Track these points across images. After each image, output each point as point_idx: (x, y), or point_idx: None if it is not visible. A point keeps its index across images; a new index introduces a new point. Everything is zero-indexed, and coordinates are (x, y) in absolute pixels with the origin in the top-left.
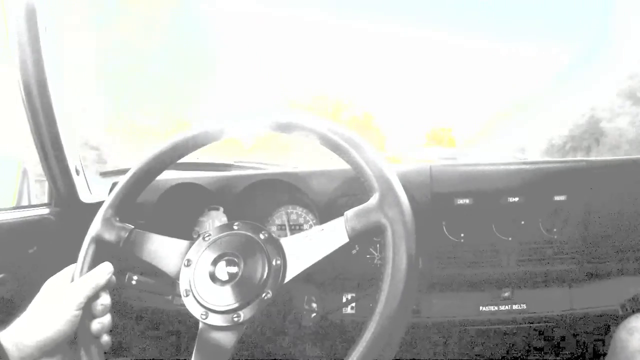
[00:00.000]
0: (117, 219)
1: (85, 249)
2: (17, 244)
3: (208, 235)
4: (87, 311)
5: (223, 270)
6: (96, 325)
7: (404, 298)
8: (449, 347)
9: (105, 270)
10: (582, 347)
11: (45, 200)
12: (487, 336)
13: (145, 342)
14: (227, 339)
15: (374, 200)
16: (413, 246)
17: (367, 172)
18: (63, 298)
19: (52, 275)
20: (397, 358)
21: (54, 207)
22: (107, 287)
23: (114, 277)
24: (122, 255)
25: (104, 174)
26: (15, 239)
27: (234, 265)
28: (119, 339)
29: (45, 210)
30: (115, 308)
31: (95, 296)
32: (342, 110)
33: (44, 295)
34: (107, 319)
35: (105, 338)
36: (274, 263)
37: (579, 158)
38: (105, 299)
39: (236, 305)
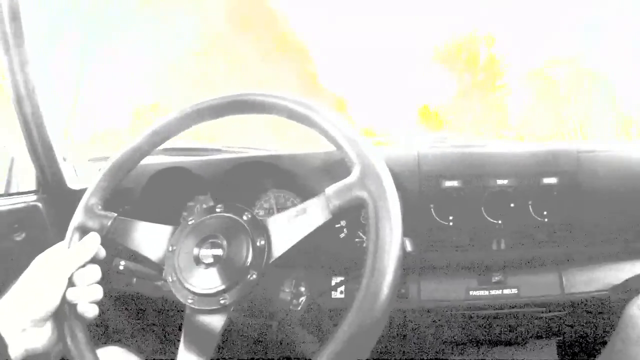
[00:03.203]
0: (100, 207)
1: (69, 239)
2: (5, 231)
3: (191, 219)
4: (76, 281)
5: (207, 253)
6: (85, 296)
7: (390, 272)
8: (438, 332)
9: (93, 240)
10: (574, 332)
11: (33, 188)
12: (477, 321)
13: (134, 328)
14: (214, 322)
15: (354, 175)
16: (397, 219)
17: (346, 148)
18: (53, 270)
19: None
20: (385, 342)
21: (42, 194)
22: (96, 258)
23: (102, 247)
24: (107, 244)
25: (93, 160)
26: (2, 226)
27: (218, 248)
28: (108, 325)
29: (32, 197)
30: (104, 295)
31: (84, 267)
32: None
33: (34, 268)
34: (97, 290)
35: (93, 308)
36: (257, 244)
37: (569, 141)
38: (94, 270)
39: (222, 287)
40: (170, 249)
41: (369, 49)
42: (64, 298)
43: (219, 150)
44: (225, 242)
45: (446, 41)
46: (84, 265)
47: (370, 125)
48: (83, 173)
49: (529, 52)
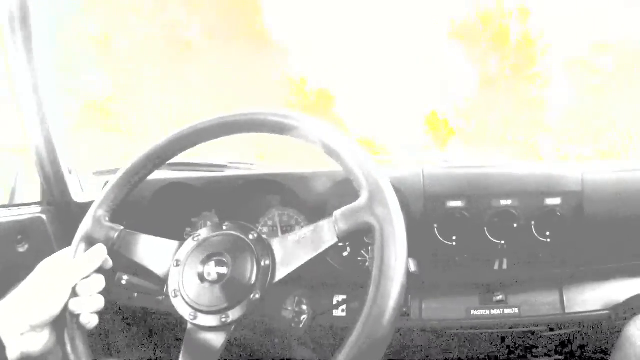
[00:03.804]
0: (107, 218)
1: (75, 249)
2: (8, 242)
3: (197, 236)
4: (80, 291)
5: (212, 271)
6: (87, 306)
7: (393, 299)
8: (439, 351)
9: (100, 252)
10: (574, 351)
11: (38, 199)
12: (478, 340)
13: (135, 343)
14: (215, 339)
15: (362, 199)
16: (403, 246)
17: (356, 172)
18: (58, 277)
19: None
20: None
21: (46, 206)
22: (102, 268)
23: (109, 258)
24: (112, 255)
25: (98, 173)
26: (6, 238)
27: (223, 266)
28: (109, 339)
29: (37, 209)
30: (106, 308)
31: (88, 277)
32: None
33: (38, 275)
34: (99, 300)
35: (94, 318)
36: (262, 263)
37: (573, 162)
38: (99, 280)
39: (224, 305)
40: (175, 264)
41: (364, 31)
42: (65, 306)
43: (224, 167)
44: (230, 261)
45: (467, 12)
46: (88, 276)
47: (366, 135)
48: (87, 186)
49: (571, 33)
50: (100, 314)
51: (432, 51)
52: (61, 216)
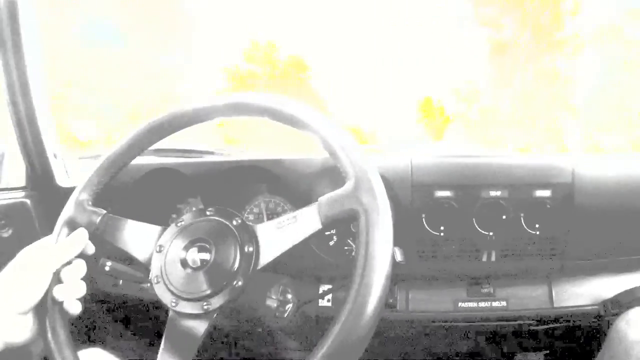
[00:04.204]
0: (90, 202)
1: (57, 233)
2: None
3: (180, 221)
4: (62, 277)
5: (194, 257)
6: (70, 292)
7: (377, 289)
8: (425, 343)
9: (81, 236)
10: (562, 346)
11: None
12: (466, 333)
13: (120, 331)
14: (197, 327)
15: (348, 186)
16: (388, 234)
17: (343, 158)
18: (39, 263)
19: None
20: (372, 353)
21: (31, 190)
22: (84, 253)
23: (91, 243)
24: (95, 241)
25: (84, 158)
26: None
27: (206, 252)
28: (92, 326)
29: (21, 194)
30: (91, 295)
31: (70, 263)
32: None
33: (19, 260)
34: (81, 286)
35: (77, 305)
36: (246, 250)
37: (564, 153)
38: (80, 266)
39: (207, 292)
40: (157, 249)
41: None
42: (47, 292)
43: (212, 153)
44: (213, 247)
45: None
46: (70, 262)
47: (355, 124)
48: (74, 171)
49: None
50: (86, 301)
51: (430, 16)
52: (46, 201)
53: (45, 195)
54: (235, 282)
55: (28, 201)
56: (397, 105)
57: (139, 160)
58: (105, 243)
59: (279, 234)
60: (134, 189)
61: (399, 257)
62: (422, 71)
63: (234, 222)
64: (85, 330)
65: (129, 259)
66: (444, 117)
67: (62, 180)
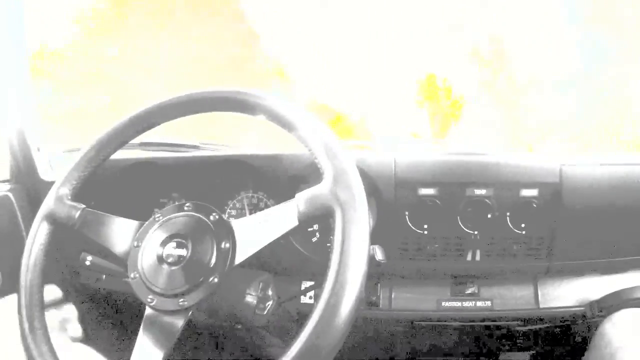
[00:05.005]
0: (69, 197)
1: (37, 227)
2: None
3: (159, 216)
4: None
5: (171, 252)
6: None
7: (352, 287)
8: (408, 342)
9: None
10: (547, 347)
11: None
12: (449, 332)
13: (101, 324)
14: (172, 323)
15: (325, 182)
16: (364, 232)
17: (320, 154)
18: None
19: (10, 252)
20: (354, 351)
21: (14, 183)
22: (67, 249)
23: None
24: (74, 235)
25: (69, 151)
26: None
27: (183, 247)
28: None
29: (5, 187)
30: (74, 290)
31: None
32: None
33: None
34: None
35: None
36: (222, 246)
37: (550, 153)
38: None
39: (183, 289)
40: (135, 244)
41: None
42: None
43: (196, 147)
44: (190, 243)
45: None
46: None
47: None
48: (58, 164)
49: None
50: (69, 295)
51: None
52: (29, 194)
53: (28, 188)
54: (211, 279)
55: (10, 195)
56: (392, 84)
57: (122, 154)
58: (84, 238)
59: (256, 231)
60: (117, 183)
61: (379, 256)
62: (425, 40)
63: (211, 218)
64: (69, 325)
65: (109, 254)
66: (452, 101)
67: (45, 173)
